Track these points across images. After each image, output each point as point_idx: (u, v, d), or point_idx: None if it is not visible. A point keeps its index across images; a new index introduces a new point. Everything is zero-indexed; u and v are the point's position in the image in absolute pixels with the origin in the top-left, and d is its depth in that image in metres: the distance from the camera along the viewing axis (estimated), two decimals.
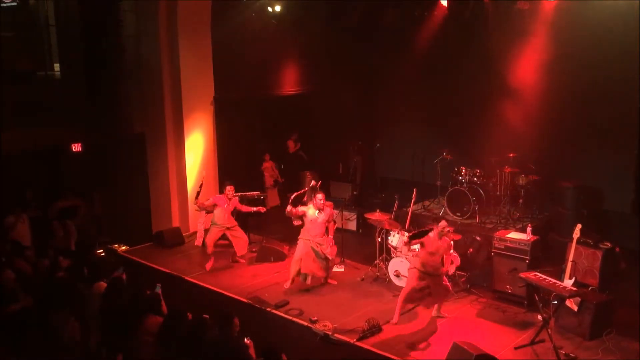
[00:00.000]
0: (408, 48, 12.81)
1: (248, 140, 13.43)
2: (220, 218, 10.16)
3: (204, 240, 10.66)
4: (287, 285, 9.37)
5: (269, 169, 13.55)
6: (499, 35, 11.36)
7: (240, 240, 10.38)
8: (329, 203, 9.44)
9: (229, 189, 10.14)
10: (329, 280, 9.60)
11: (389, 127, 14.19)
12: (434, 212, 11.15)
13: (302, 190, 9.95)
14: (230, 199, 10.18)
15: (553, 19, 10.65)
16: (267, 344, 5.77)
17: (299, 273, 9.29)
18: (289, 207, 9.18)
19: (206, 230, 10.67)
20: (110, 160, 12.72)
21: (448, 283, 8.26)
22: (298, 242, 9.34)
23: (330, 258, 9.31)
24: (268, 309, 8.66)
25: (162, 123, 11.89)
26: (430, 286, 7.98)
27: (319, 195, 9.15)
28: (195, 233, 11.84)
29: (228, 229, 10.23)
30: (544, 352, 7.31)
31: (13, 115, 11.21)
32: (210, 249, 10.24)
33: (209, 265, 10.31)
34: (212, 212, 10.29)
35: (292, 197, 9.36)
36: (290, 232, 11.70)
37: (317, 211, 9.11)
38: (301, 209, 9.21)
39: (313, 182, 10.06)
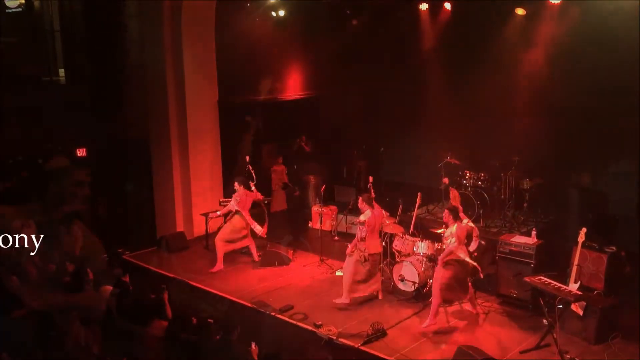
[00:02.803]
0: (412, 52, 12.82)
1: (253, 144, 13.42)
2: None
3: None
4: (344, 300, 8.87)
5: (278, 172, 13.48)
6: (502, 40, 11.35)
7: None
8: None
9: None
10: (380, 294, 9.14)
11: (394, 131, 14.18)
12: (438, 216, 11.12)
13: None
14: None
15: (556, 23, 10.64)
16: (267, 351, 5.77)
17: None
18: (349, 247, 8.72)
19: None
20: (114, 165, 12.74)
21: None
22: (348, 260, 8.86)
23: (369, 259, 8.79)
24: (272, 314, 8.65)
25: (166, 127, 11.90)
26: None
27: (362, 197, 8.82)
28: (199, 237, 11.85)
29: None
30: (550, 356, 7.30)
31: (18, 120, 11.25)
32: None
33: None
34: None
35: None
36: (295, 237, 11.73)
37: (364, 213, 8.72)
38: (360, 227, 8.62)
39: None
